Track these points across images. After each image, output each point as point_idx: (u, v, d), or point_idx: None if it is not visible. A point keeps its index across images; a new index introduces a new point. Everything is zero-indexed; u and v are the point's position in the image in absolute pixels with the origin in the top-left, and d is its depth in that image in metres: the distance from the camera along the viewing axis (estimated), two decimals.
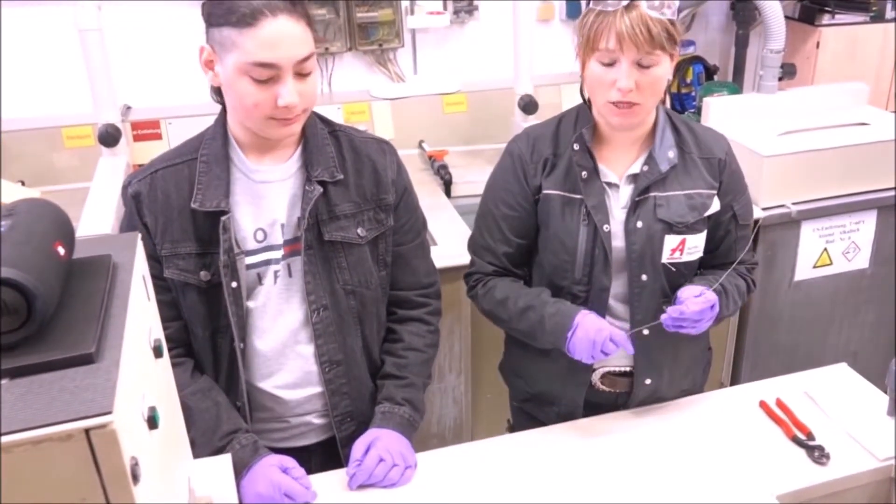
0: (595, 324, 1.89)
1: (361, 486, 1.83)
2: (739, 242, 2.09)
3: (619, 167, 1.98)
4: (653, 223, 1.95)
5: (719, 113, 3.34)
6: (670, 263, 1.99)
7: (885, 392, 2.04)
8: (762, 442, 1.97)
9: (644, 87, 1.81)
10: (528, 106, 3.38)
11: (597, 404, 2.12)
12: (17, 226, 0.99)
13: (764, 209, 3.06)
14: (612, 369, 2.09)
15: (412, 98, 3.70)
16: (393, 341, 2.02)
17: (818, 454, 1.90)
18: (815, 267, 3.25)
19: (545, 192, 1.99)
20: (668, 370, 2.09)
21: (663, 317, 1.90)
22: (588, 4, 1.84)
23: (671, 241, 1.97)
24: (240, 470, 1.77)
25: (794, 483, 1.84)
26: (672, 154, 1.96)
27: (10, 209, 1.04)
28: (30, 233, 0.99)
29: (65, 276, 1.02)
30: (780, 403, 2.08)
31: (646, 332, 1.99)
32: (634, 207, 1.96)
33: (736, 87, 3.81)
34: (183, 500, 1.21)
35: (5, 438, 0.80)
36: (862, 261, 3.31)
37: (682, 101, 3.94)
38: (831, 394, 2.12)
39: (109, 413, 0.83)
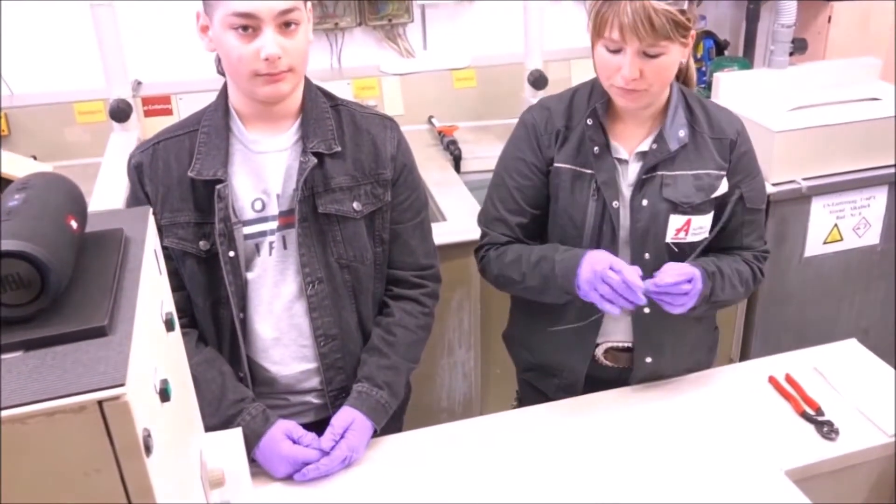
0: (599, 255, 1.86)
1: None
2: (746, 227, 2.05)
3: (630, 143, 1.96)
4: (658, 202, 1.94)
5: (730, 88, 3.32)
6: (674, 243, 1.97)
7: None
8: (771, 417, 1.98)
9: (649, 74, 1.80)
10: (538, 81, 3.37)
11: (600, 379, 2.13)
12: (30, 199, 0.99)
13: (774, 185, 3.06)
14: (614, 344, 2.10)
15: (422, 73, 3.70)
16: (385, 315, 2.00)
17: (827, 429, 1.91)
18: (825, 243, 3.24)
19: (556, 165, 1.98)
20: (671, 349, 2.09)
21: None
22: None
23: (676, 220, 1.95)
24: (252, 440, 1.79)
25: (803, 458, 1.85)
26: (683, 133, 1.94)
27: (23, 183, 1.04)
28: (43, 207, 1.00)
29: (77, 249, 1.03)
30: (789, 379, 2.08)
31: (647, 310, 1.98)
32: (641, 185, 1.94)
33: (746, 62, 3.80)
34: (195, 473, 1.22)
35: (20, 409, 0.81)
36: (872, 237, 3.30)
37: None
38: (841, 369, 2.12)
39: (122, 385, 0.84)
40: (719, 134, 1.98)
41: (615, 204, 1.94)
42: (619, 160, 1.96)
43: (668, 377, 2.12)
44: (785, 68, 3.46)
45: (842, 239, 3.26)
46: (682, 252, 1.98)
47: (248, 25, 1.66)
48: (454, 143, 3.38)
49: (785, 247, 3.19)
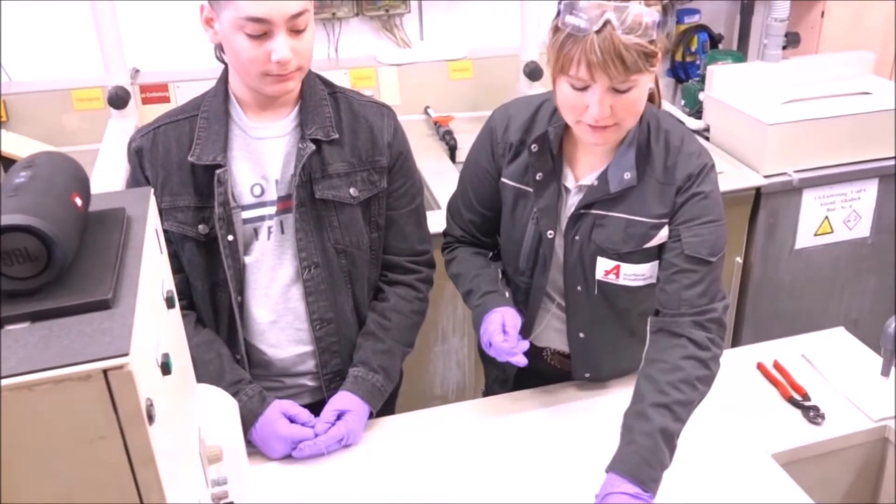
0: (488, 325, 1.85)
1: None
2: (685, 277, 1.77)
3: (583, 170, 1.86)
4: (586, 241, 1.85)
5: (723, 81, 3.36)
6: (604, 283, 1.88)
7: (881, 354, 2.08)
8: (759, 402, 2.01)
9: (619, 110, 1.64)
10: (534, 73, 3.39)
11: (547, 377, 2.13)
12: (36, 177, 1.02)
13: (766, 177, 3.09)
14: (559, 350, 2.09)
15: (418, 64, 3.71)
16: (380, 300, 2.04)
17: (813, 414, 1.94)
18: (816, 235, 3.27)
19: (503, 180, 1.92)
20: (609, 366, 2.07)
21: None
22: (560, 14, 1.62)
23: (604, 263, 1.86)
24: (250, 420, 1.84)
25: (789, 442, 1.88)
26: (628, 176, 1.78)
27: (29, 161, 1.07)
28: (49, 184, 1.02)
29: (82, 226, 1.06)
30: (777, 365, 2.11)
31: (581, 335, 1.98)
32: (575, 220, 1.85)
33: (740, 55, 3.84)
34: (194, 447, 1.25)
35: (28, 377, 0.83)
36: (863, 229, 3.33)
37: (686, 70, 3.96)
38: (828, 357, 2.15)
39: (126, 355, 0.86)
40: (668, 179, 1.79)
41: (550, 234, 1.87)
42: (566, 188, 1.87)
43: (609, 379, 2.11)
44: (778, 62, 3.49)
45: (832, 231, 3.29)
46: (612, 293, 1.90)
47: (261, 29, 1.68)
48: (450, 133, 3.41)
49: (776, 239, 3.22)
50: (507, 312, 1.86)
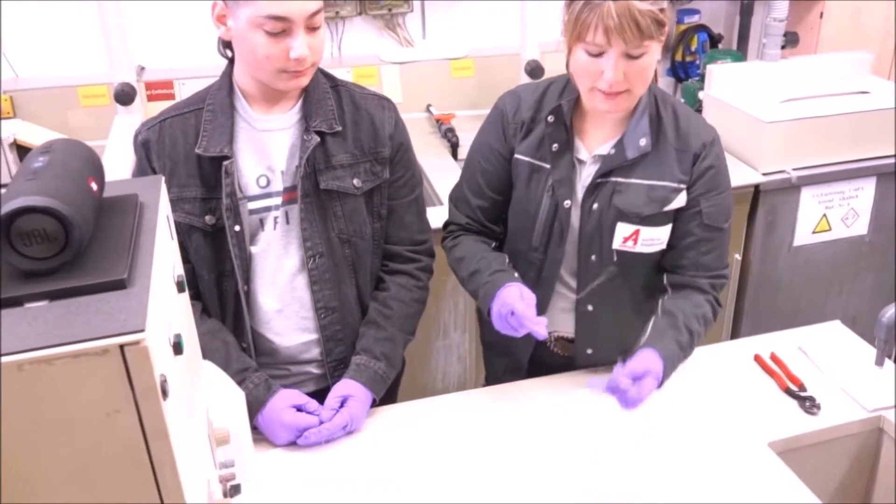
0: (507, 297, 1.88)
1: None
2: (703, 245, 1.99)
3: (594, 144, 1.95)
4: (607, 208, 1.92)
5: (722, 80, 3.39)
6: (621, 251, 1.96)
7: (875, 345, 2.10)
8: (756, 393, 2.03)
9: (632, 76, 1.77)
10: (535, 71, 3.42)
11: (549, 365, 2.16)
12: (53, 161, 1.05)
13: (764, 174, 3.12)
14: (563, 335, 2.13)
15: (420, 62, 3.75)
16: (381, 290, 2.07)
17: (809, 404, 1.97)
18: (814, 232, 3.30)
19: (516, 156, 1.99)
20: (613, 341, 2.09)
21: (589, 382, 1.92)
22: None
23: (624, 229, 1.94)
24: (255, 407, 1.86)
25: (786, 431, 1.91)
26: (644, 142, 1.89)
27: (46, 147, 1.10)
28: (66, 168, 1.05)
29: (97, 209, 1.09)
30: (774, 357, 2.14)
31: (590, 307, 2.03)
32: (593, 189, 1.93)
33: (740, 54, 3.86)
34: (203, 427, 1.28)
35: (47, 351, 0.86)
36: (861, 227, 3.36)
37: (686, 69, 3.98)
38: (824, 349, 2.18)
39: (142, 331, 0.89)
40: (683, 146, 1.92)
41: (567, 203, 1.95)
42: (580, 160, 1.96)
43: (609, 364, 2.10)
44: (777, 61, 3.52)
45: (830, 229, 3.32)
46: (626, 261, 1.98)
47: (280, 27, 1.72)
48: (452, 130, 3.44)
49: (775, 236, 3.25)
50: (523, 287, 1.91)
